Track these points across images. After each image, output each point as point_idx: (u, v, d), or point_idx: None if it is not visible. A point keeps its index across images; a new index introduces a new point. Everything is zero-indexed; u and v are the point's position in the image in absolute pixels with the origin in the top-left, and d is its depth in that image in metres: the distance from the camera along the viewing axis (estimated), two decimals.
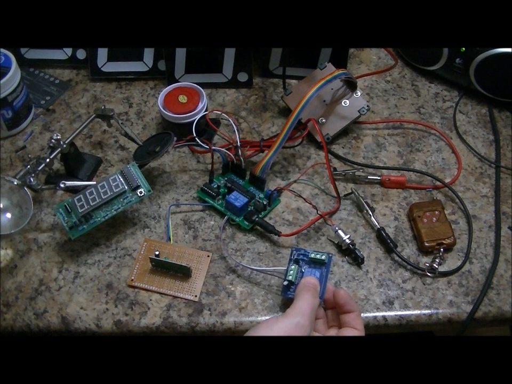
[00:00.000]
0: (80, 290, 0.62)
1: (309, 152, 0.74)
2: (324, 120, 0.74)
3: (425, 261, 0.64)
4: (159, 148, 0.66)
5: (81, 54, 0.83)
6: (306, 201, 0.66)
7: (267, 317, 0.60)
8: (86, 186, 0.63)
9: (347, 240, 0.63)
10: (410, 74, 0.84)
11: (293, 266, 0.58)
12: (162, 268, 0.62)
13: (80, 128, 0.70)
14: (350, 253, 0.63)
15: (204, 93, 0.74)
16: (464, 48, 0.75)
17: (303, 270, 0.58)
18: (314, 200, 0.69)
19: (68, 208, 0.62)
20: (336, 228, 0.64)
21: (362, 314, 0.59)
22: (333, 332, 0.54)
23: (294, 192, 0.68)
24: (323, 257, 0.58)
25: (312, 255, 0.58)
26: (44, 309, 0.60)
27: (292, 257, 0.60)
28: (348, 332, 0.52)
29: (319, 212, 0.65)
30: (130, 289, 0.62)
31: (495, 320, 0.61)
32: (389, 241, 0.64)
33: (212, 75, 0.81)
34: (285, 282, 0.58)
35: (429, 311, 0.60)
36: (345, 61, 0.82)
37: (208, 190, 0.67)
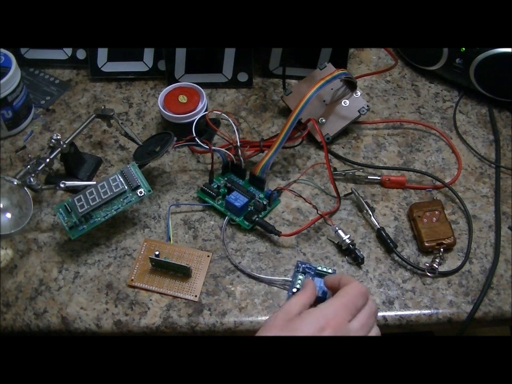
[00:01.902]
0: (80, 290, 0.62)
1: (309, 152, 0.74)
2: (323, 120, 0.74)
3: (425, 261, 0.64)
4: (159, 148, 0.66)
5: (81, 54, 0.83)
6: (306, 201, 0.66)
7: (267, 317, 0.60)
8: (86, 186, 0.63)
9: (347, 240, 0.63)
10: (410, 74, 0.84)
11: (300, 276, 0.60)
12: (162, 268, 0.62)
13: (80, 128, 0.70)
14: (350, 253, 0.63)
15: (203, 93, 0.74)
16: (464, 48, 0.75)
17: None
18: (314, 200, 0.69)
19: (68, 208, 0.62)
20: (336, 228, 0.64)
21: None
22: None
23: (294, 192, 0.68)
24: (329, 270, 0.60)
25: (319, 268, 0.60)
26: (44, 309, 0.60)
27: (298, 269, 0.61)
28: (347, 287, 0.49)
29: (319, 212, 0.65)
30: (130, 289, 0.62)
31: (495, 320, 0.61)
32: (389, 241, 0.64)
33: (212, 75, 0.81)
34: (294, 290, 0.59)
35: (429, 311, 0.60)
36: (345, 61, 0.82)
37: (208, 190, 0.67)
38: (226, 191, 0.68)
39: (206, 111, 0.73)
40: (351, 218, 0.68)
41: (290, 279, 0.61)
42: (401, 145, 0.75)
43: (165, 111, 0.72)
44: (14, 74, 0.71)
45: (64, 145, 0.66)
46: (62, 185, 0.63)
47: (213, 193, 0.67)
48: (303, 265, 0.61)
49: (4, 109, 0.72)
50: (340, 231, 0.63)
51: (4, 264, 0.64)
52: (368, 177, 0.71)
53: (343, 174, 0.70)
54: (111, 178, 0.63)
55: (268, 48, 0.81)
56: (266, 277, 0.62)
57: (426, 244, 0.63)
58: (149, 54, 0.81)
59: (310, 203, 0.66)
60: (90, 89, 0.82)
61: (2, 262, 0.64)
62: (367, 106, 0.74)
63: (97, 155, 0.74)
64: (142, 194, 0.63)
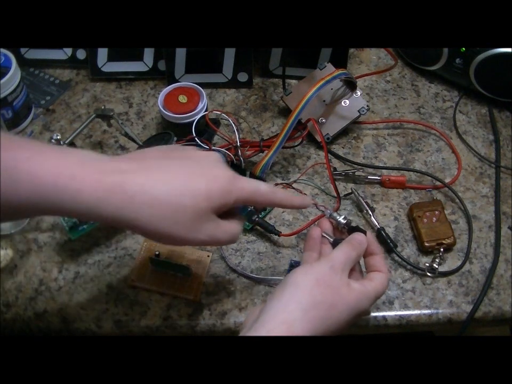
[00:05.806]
0: (80, 290, 0.62)
1: (309, 152, 0.74)
2: (323, 120, 0.74)
3: (425, 261, 0.64)
4: None
5: (81, 54, 0.83)
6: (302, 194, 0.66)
7: None
8: None
9: (342, 220, 0.56)
10: (410, 74, 0.84)
11: None
12: (162, 267, 0.62)
13: (80, 128, 0.70)
14: None
15: (203, 93, 0.74)
16: (464, 48, 0.75)
17: None
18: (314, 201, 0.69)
19: None
20: (329, 212, 0.57)
21: None
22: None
23: (294, 188, 0.68)
24: None
25: None
26: (43, 309, 0.60)
27: (292, 268, 0.61)
28: (374, 276, 0.52)
29: (321, 208, 0.61)
30: (130, 289, 0.62)
31: (495, 320, 0.61)
32: (389, 241, 0.64)
33: (212, 75, 0.81)
34: None
35: (429, 311, 0.60)
36: (345, 61, 0.82)
37: None
38: None
39: (206, 111, 0.73)
40: (351, 218, 0.67)
41: (283, 278, 0.61)
42: (401, 145, 0.75)
43: (165, 111, 0.72)
44: (14, 74, 0.71)
45: (64, 145, 0.66)
46: None
47: None
48: (297, 264, 0.62)
49: (3, 109, 0.72)
50: (334, 214, 0.57)
51: (4, 264, 0.64)
52: (368, 177, 0.71)
53: (343, 174, 0.70)
54: None
55: (268, 48, 0.81)
56: (259, 276, 0.62)
57: (426, 244, 0.63)
58: (149, 54, 0.81)
59: (304, 194, 0.66)
60: (90, 89, 0.82)
61: (2, 262, 0.64)
62: (367, 106, 0.74)
63: None
64: None
